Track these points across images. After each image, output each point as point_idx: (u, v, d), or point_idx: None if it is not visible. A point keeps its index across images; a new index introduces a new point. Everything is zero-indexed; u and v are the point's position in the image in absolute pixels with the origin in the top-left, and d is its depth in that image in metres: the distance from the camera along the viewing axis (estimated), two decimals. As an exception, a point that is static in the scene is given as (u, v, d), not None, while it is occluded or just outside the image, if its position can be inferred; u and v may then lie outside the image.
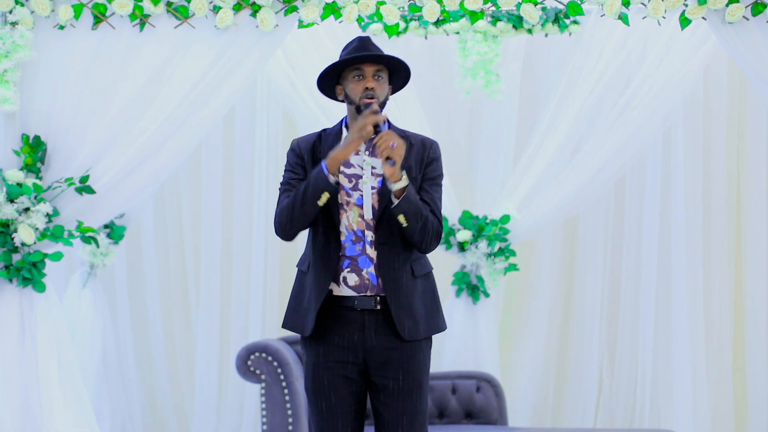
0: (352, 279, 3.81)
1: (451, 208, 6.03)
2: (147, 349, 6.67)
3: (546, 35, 5.82)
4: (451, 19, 5.78)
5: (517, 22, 5.74)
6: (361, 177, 3.84)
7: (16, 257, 5.06)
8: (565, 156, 6.00)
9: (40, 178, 5.09)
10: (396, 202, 3.75)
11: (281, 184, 3.91)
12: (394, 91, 3.98)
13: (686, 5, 4.92)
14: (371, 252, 3.81)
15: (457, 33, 5.89)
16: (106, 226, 6.09)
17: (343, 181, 3.83)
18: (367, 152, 3.86)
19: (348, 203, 3.82)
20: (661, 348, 6.39)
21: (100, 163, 5.08)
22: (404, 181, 3.75)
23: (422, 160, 3.89)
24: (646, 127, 5.93)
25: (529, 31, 5.77)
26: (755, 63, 4.91)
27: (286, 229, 3.85)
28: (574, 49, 5.99)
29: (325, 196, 3.75)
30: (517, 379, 6.46)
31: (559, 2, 5.26)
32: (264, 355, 5.49)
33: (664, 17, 5.00)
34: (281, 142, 6.61)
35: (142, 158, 5.08)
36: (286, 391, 5.46)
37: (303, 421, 5.43)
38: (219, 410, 6.58)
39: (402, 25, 5.90)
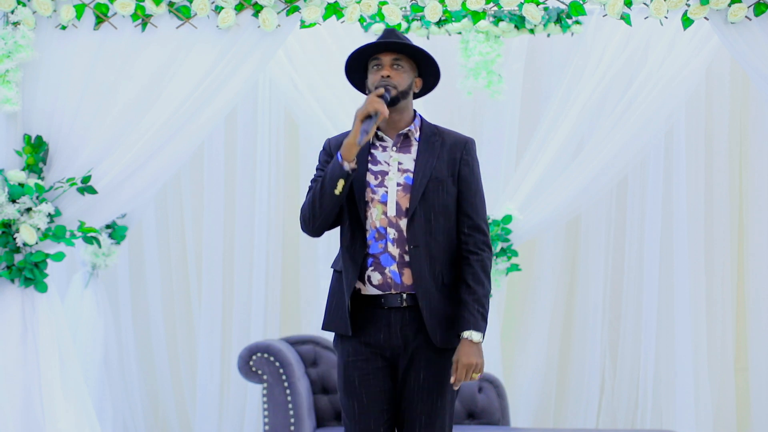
0: (376, 278, 3.78)
1: (453, 209, 6.02)
2: (149, 349, 6.68)
3: (548, 35, 5.82)
4: (453, 19, 5.78)
5: (519, 22, 5.74)
6: (387, 173, 3.79)
7: (18, 257, 5.06)
8: (568, 156, 5.99)
9: (42, 179, 5.09)
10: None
11: (310, 182, 3.87)
12: (427, 86, 3.92)
13: (688, 5, 4.91)
14: (393, 250, 3.76)
15: (459, 33, 5.89)
16: (108, 227, 6.09)
17: (370, 178, 3.78)
18: (394, 148, 3.83)
19: (373, 200, 3.77)
20: (664, 348, 6.38)
21: (102, 164, 5.08)
22: (479, 336, 3.78)
23: (455, 160, 3.83)
24: (648, 126, 5.93)
25: (531, 31, 5.77)
26: (757, 63, 4.91)
27: (309, 224, 3.81)
28: (576, 49, 5.99)
29: (340, 184, 3.69)
30: (520, 379, 6.46)
31: (561, 2, 5.25)
32: (266, 355, 5.49)
33: (666, 17, 4.99)
34: (283, 142, 6.62)
35: (144, 158, 5.08)
36: (288, 391, 5.46)
37: (304, 422, 5.43)
38: (221, 410, 6.58)
39: (404, 25, 5.90)
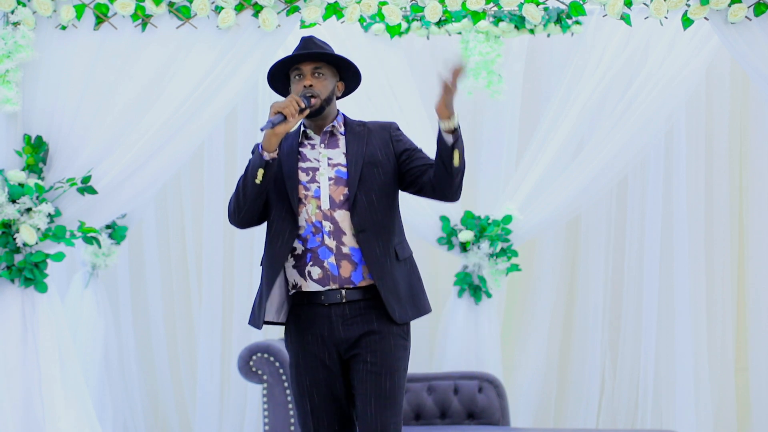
0: (316, 272, 3.85)
1: (453, 209, 6.03)
2: (149, 349, 6.67)
3: (548, 35, 5.82)
4: (453, 19, 5.79)
5: (519, 22, 5.74)
6: (317, 169, 3.89)
7: (18, 258, 5.06)
8: (568, 156, 5.99)
9: (42, 179, 5.09)
10: (452, 140, 3.74)
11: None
12: (349, 87, 4.03)
13: (688, 5, 4.91)
14: (330, 242, 3.84)
15: (459, 33, 5.89)
16: (108, 227, 6.09)
17: (301, 176, 3.89)
18: (322, 145, 3.93)
19: (306, 197, 3.87)
20: (664, 348, 6.38)
21: (102, 164, 5.08)
22: (455, 120, 3.73)
23: (386, 140, 3.95)
24: (648, 126, 5.93)
25: (531, 31, 5.77)
26: (757, 63, 4.91)
27: (235, 215, 3.91)
28: (577, 50, 5.99)
29: (260, 173, 3.80)
30: (520, 379, 6.46)
31: (561, 2, 5.25)
32: (266, 355, 5.49)
33: (666, 17, 4.99)
34: (283, 142, 6.61)
35: (144, 158, 5.08)
36: (287, 391, 5.46)
37: (305, 422, 5.43)
38: (221, 411, 6.58)
39: (404, 25, 5.90)
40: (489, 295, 6.04)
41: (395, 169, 3.93)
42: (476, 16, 5.69)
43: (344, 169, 3.89)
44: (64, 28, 5.08)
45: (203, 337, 6.58)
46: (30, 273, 5.04)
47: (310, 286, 3.86)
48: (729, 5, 4.85)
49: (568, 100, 5.97)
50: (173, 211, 6.71)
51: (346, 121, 3.99)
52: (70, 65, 5.08)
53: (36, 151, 5.07)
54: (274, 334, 6.52)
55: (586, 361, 6.48)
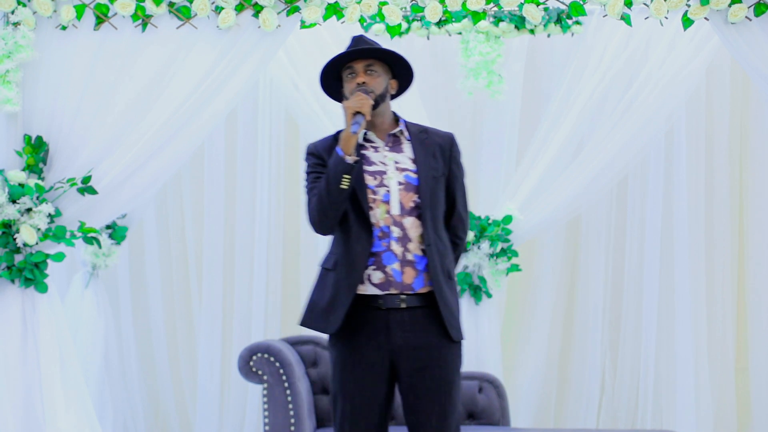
0: (377, 276, 3.80)
1: (453, 209, 6.03)
2: (149, 349, 6.67)
3: (548, 35, 5.82)
4: (453, 19, 5.79)
5: (519, 22, 5.74)
6: (385, 173, 3.84)
7: (18, 258, 5.06)
8: (568, 156, 5.99)
9: (42, 179, 5.09)
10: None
11: (307, 188, 3.89)
12: (404, 85, 4.01)
13: (689, 5, 4.91)
14: (396, 248, 3.80)
15: (460, 33, 5.89)
16: (108, 227, 6.08)
17: (368, 179, 3.83)
18: (387, 148, 3.88)
19: (374, 200, 3.82)
20: (664, 348, 6.38)
21: (103, 164, 5.08)
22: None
23: (446, 159, 3.92)
24: (648, 126, 5.93)
25: (532, 31, 5.77)
26: (758, 63, 4.91)
27: (320, 225, 3.83)
28: (577, 50, 5.99)
29: (346, 179, 3.73)
30: (520, 379, 6.46)
31: (562, 2, 5.25)
32: (266, 355, 5.49)
33: (666, 17, 4.99)
34: (283, 142, 6.61)
35: (144, 159, 5.08)
36: (288, 391, 5.46)
37: (305, 422, 5.43)
38: (221, 411, 6.58)
39: (404, 25, 5.90)
40: (489, 295, 6.04)
41: (445, 189, 3.94)
42: (476, 16, 5.69)
43: (414, 175, 3.85)
44: (64, 28, 5.07)
45: (203, 337, 6.58)
46: (30, 273, 5.04)
47: (368, 290, 3.81)
48: (729, 5, 4.85)
49: (568, 100, 5.97)
50: (173, 211, 6.71)
51: (408, 126, 3.96)
52: (70, 65, 5.08)
53: (36, 151, 5.07)
54: (275, 335, 6.52)
55: (586, 361, 6.48)
